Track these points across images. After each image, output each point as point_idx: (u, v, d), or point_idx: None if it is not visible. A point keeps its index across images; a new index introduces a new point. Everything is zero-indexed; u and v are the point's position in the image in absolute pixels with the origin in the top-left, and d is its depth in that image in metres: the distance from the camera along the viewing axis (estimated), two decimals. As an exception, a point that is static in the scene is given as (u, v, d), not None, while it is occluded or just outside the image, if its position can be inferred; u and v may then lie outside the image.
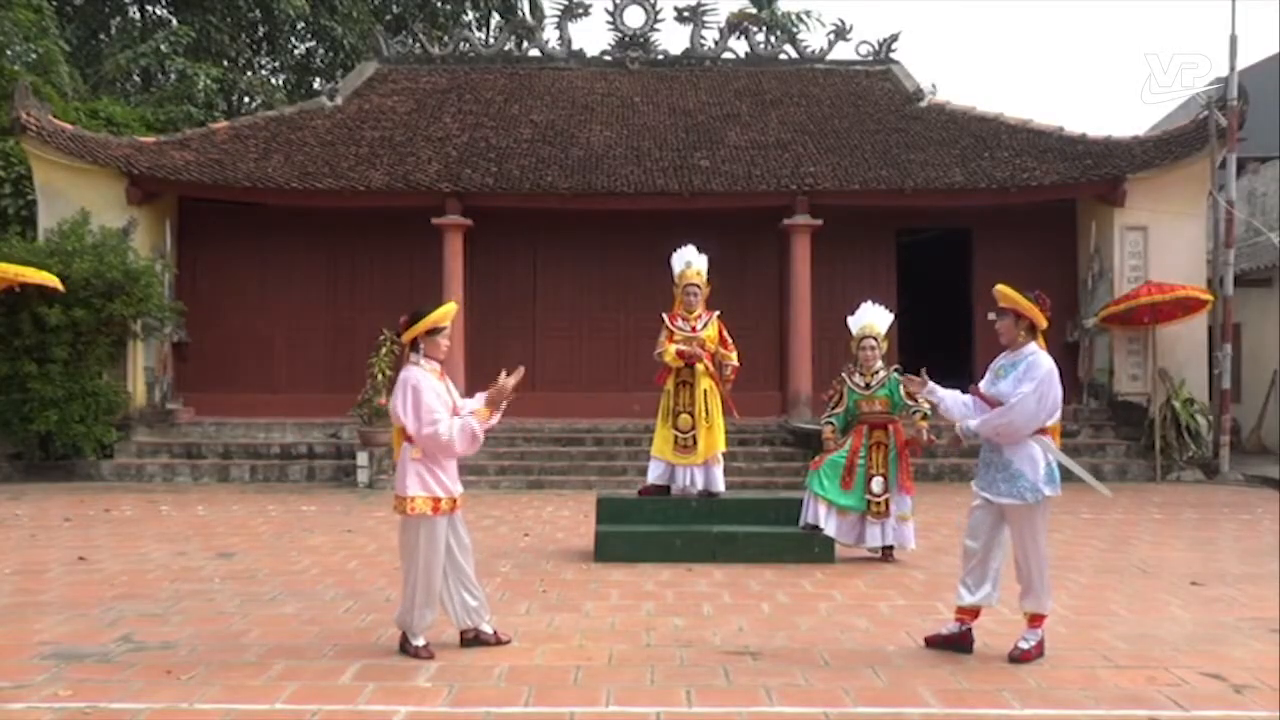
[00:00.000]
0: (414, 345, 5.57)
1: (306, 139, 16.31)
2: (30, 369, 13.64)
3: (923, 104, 17.81)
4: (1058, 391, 5.54)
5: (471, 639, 5.71)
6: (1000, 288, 5.73)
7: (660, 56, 19.47)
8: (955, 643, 5.72)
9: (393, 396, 5.53)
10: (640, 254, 15.15)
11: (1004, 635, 5.97)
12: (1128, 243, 15.41)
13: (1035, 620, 5.61)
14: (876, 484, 8.18)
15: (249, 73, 27.33)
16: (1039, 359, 5.56)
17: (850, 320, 8.49)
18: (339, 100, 17.83)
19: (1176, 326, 14.96)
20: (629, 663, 5.40)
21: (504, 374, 5.59)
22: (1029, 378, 5.51)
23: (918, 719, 4.61)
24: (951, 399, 5.82)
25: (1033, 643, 5.54)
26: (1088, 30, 65.01)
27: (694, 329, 8.34)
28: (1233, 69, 14.90)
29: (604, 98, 18.18)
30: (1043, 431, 5.56)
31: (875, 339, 8.30)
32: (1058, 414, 5.60)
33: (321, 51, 28.57)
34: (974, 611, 5.75)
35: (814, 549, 8.19)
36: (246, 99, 26.19)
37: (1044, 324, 5.67)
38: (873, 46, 19.29)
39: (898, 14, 51.79)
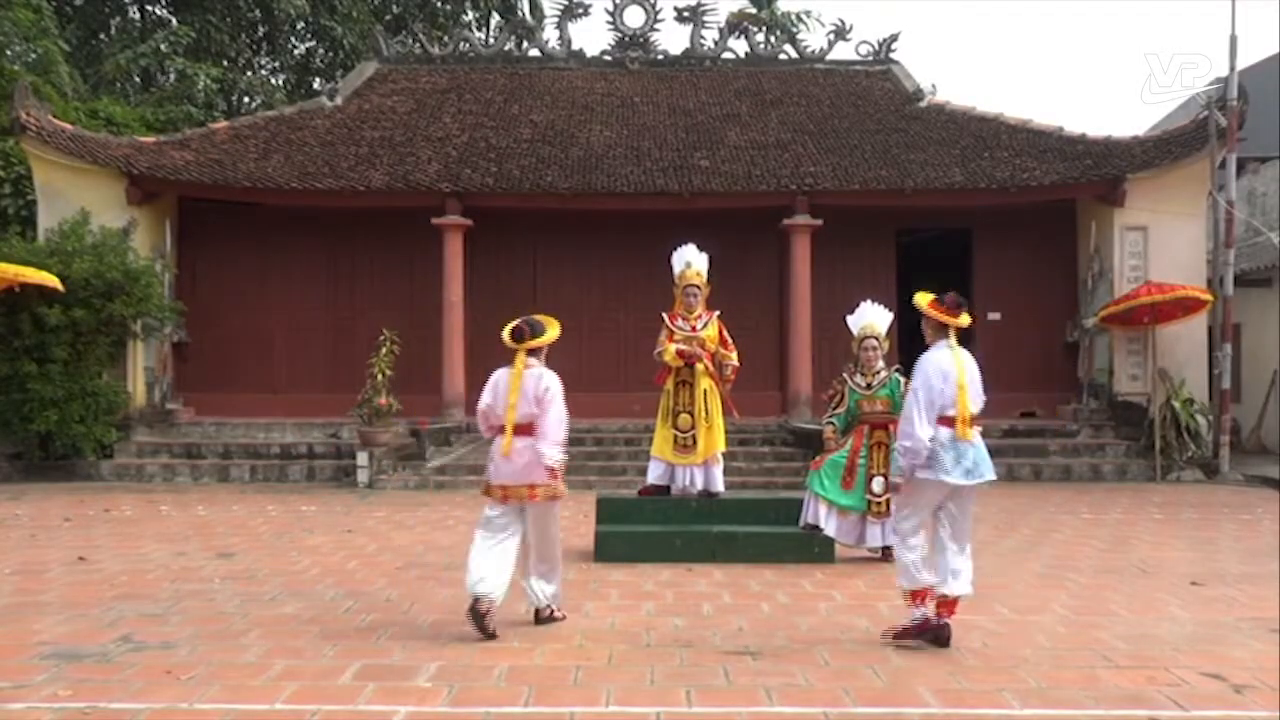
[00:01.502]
0: (533, 351, 6.11)
1: (306, 139, 16.31)
2: (30, 369, 13.63)
3: (923, 104, 17.81)
4: (933, 382, 5.76)
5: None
6: (916, 296, 6.10)
7: (660, 56, 19.47)
8: (931, 631, 5.80)
9: (545, 389, 5.99)
10: (640, 254, 15.15)
11: (1004, 635, 5.98)
12: (1128, 243, 15.41)
13: (917, 596, 5.79)
14: (877, 484, 8.17)
15: (249, 73, 27.34)
16: (922, 357, 5.91)
17: (850, 320, 8.49)
18: (339, 100, 17.83)
19: (1176, 326, 14.96)
20: (629, 663, 5.40)
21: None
22: (913, 375, 5.92)
23: (918, 719, 4.61)
24: None
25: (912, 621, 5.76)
26: (1088, 30, 65.06)
27: (694, 329, 8.34)
28: (1233, 69, 14.90)
29: (604, 98, 18.18)
30: (946, 421, 5.77)
31: (876, 339, 8.29)
32: (945, 403, 5.77)
33: (321, 51, 28.58)
34: (940, 600, 5.78)
35: (814, 549, 8.19)
36: (246, 99, 26.20)
37: (948, 321, 5.92)
38: (873, 46, 19.29)
39: (898, 14, 51.85)
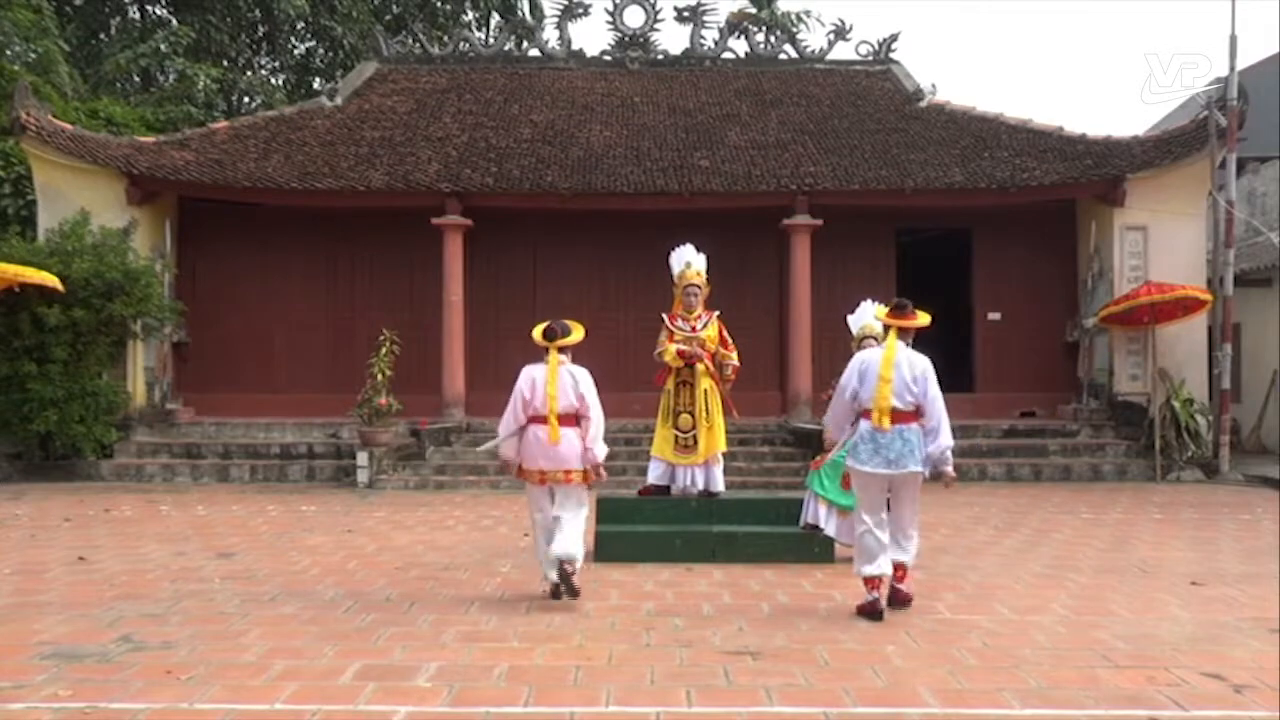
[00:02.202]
0: (562, 349, 6.90)
1: (306, 139, 16.31)
2: (30, 369, 13.62)
3: (923, 104, 17.81)
4: (850, 379, 6.54)
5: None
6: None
7: (660, 56, 19.47)
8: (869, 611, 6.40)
9: (586, 387, 6.87)
10: (640, 254, 15.14)
11: (1004, 635, 5.99)
12: (1128, 243, 15.40)
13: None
14: (877, 484, 8.16)
15: (249, 73, 27.33)
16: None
17: (850, 319, 8.50)
18: (339, 100, 17.83)
19: (1176, 326, 14.95)
20: (629, 663, 5.40)
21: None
22: None
23: (918, 719, 4.61)
24: None
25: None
26: (1088, 30, 65.06)
27: (694, 329, 8.34)
28: (1233, 69, 14.90)
29: (604, 98, 18.17)
30: (866, 414, 6.42)
31: (875, 339, 8.27)
32: (864, 398, 6.44)
33: (321, 51, 28.58)
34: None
35: (814, 549, 8.19)
36: (246, 99, 26.20)
37: (887, 322, 6.65)
38: (872, 46, 19.28)
39: (898, 14, 51.82)
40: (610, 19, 19.32)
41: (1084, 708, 4.74)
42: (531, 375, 6.85)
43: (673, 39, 76.31)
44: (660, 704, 4.72)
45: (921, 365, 6.43)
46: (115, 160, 15.13)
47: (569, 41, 19.53)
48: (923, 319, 6.61)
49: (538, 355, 7.02)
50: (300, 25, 27.72)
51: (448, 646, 5.67)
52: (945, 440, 6.43)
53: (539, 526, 6.92)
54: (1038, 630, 6.10)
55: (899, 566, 6.53)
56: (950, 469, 6.55)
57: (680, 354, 8.29)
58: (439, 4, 28.54)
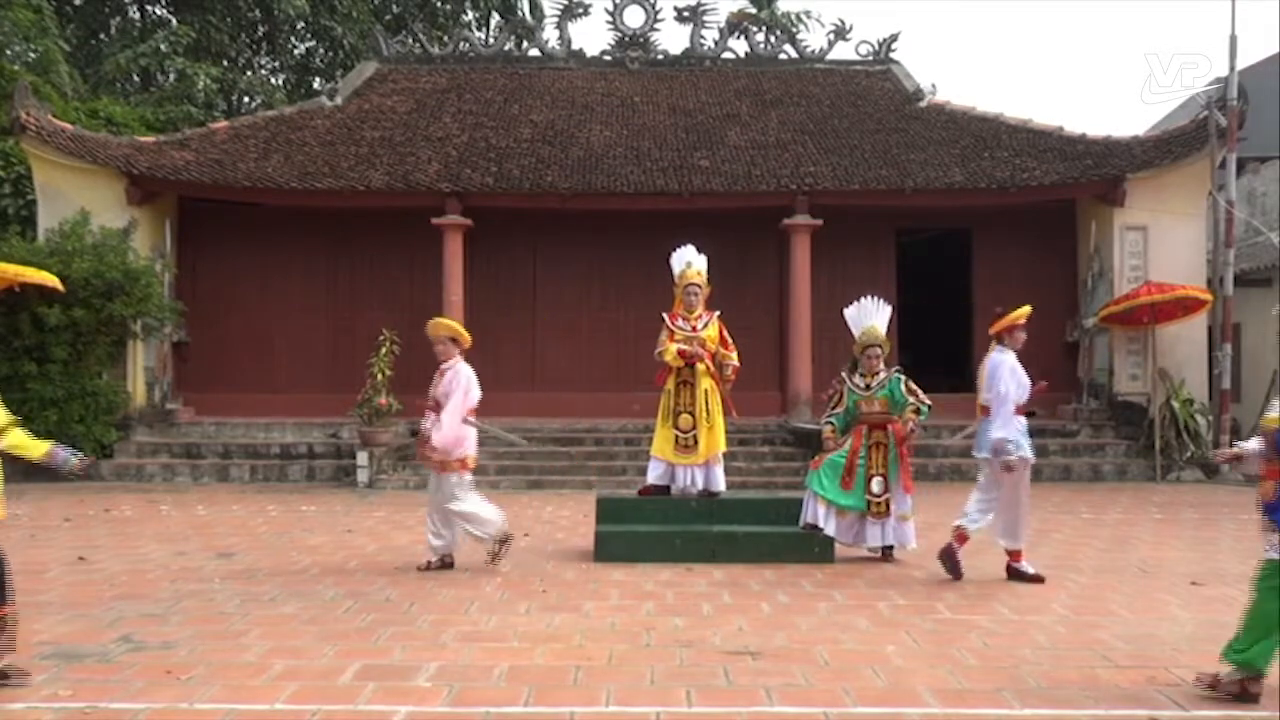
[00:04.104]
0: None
1: (306, 139, 16.31)
2: (30, 369, 13.63)
3: (923, 104, 17.81)
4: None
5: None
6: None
7: (660, 56, 19.47)
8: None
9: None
10: (640, 254, 15.15)
11: (1004, 635, 5.98)
12: (1128, 242, 15.41)
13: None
14: (876, 484, 8.18)
15: (249, 73, 27.34)
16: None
17: (848, 315, 8.50)
18: (339, 100, 17.83)
19: (1176, 326, 14.96)
20: (629, 663, 5.40)
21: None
22: None
23: (918, 719, 4.61)
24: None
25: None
26: (1088, 30, 65.05)
27: (694, 329, 8.34)
28: (1233, 69, 14.90)
29: (604, 98, 18.17)
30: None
31: (879, 346, 8.29)
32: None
33: (321, 51, 28.59)
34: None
35: (814, 549, 8.19)
36: (246, 99, 26.21)
37: (995, 329, 7.71)
38: (872, 46, 19.29)
39: (898, 14, 51.81)
40: (610, 19, 19.33)
41: (1084, 708, 4.74)
42: (472, 375, 7.96)
43: (673, 39, 76.45)
44: (660, 704, 4.72)
45: (988, 365, 7.51)
46: (115, 160, 15.13)
47: (569, 41, 19.53)
48: (1016, 314, 7.56)
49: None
50: (300, 25, 27.73)
51: (448, 646, 5.66)
52: (992, 433, 7.35)
53: (480, 505, 7.98)
54: (1038, 630, 6.10)
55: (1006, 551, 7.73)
56: (1007, 457, 7.37)
57: (681, 354, 8.29)
58: (439, 4, 28.55)
